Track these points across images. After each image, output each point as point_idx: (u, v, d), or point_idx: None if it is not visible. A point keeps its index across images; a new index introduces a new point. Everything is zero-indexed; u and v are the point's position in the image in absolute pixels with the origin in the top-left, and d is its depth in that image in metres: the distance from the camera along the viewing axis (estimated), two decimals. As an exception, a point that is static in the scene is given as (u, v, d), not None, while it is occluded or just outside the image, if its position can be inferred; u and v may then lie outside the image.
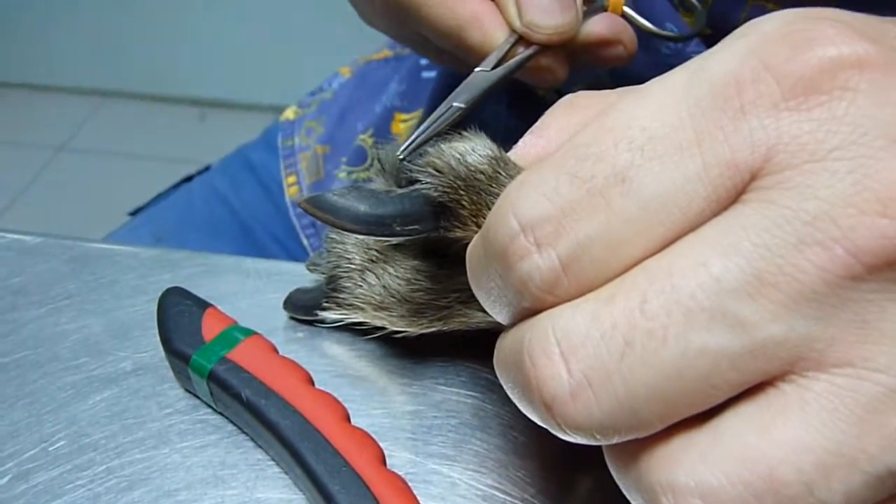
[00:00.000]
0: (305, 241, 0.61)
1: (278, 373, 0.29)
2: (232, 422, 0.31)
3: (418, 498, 0.27)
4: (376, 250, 0.31)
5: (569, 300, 0.19)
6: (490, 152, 0.26)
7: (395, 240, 0.30)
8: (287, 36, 1.89)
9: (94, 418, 0.31)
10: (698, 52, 0.21)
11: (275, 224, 0.62)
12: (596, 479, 0.29)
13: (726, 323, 0.17)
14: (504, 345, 0.21)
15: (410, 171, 0.26)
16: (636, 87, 0.20)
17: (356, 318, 0.31)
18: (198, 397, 0.32)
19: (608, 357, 0.18)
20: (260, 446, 0.30)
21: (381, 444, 0.28)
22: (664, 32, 0.38)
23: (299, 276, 0.36)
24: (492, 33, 0.33)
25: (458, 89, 0.31)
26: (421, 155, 0.26)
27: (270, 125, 0.69)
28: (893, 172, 0.17)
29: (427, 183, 0.26)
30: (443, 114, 0.29)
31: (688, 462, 0.18)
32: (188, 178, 0.68)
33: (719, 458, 0.18)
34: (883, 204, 0.16)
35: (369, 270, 0.31)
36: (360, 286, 0.31)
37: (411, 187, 0.26)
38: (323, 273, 0.33)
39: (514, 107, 0.52)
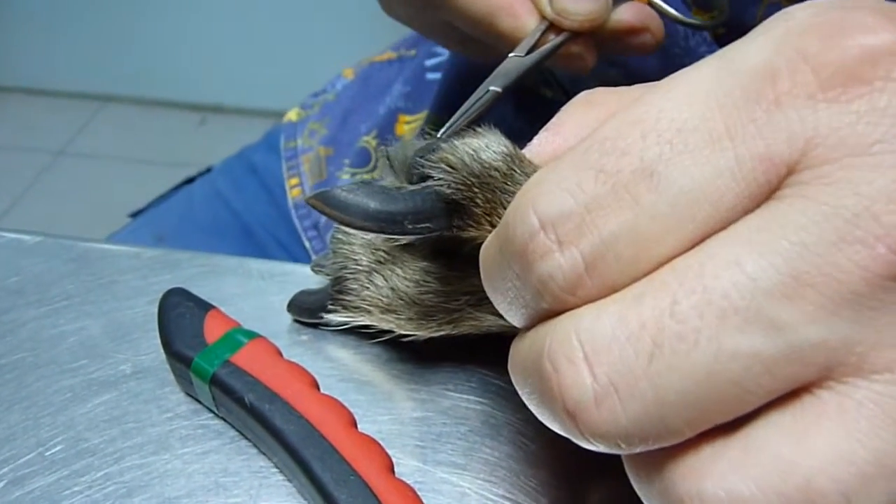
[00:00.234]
0: (307, 244, 0.60)
1: (283, 377, 0.29)
2: (234, 427, 0.30)
3: (428, 507, 0.26)
4: (384, 251, 0.30)
5: (591, 301, 0.18)
6: (504, 149, 0.25)
7: (404, 239, 0.29)
8: (287, 41, 1.89)
9: (92, 422, 0.30)
10: (711, 52, 0.20)
11: (276, 226, 0.61)
12: (610, 488, 0.28)
13: (761, 325, 0.16)
14: (520, 349, 0.21)
15: (423, 167, 0.25)
16: (657, 82, 0.20)
17: (362, 320, 0.30)
18: (199, 402, 0.31)
19: (635, 361, 0.17)
20: (263, 453, 0.29)
21: (388, 452, 0.28)
22: (690, 20, 0.38)
23: (304, 277, 0.35)
24: (523, 20, 0.34)
25: (493, 74, 0.31)
26: (433, 150, 0.26)
27: (273, 127, 0.68)
28: None
29: (440, 179, 0.25)
30: (480, 97, 0.30)
31: (718, 472, 0.17)
32: (190, 180, 0.68)
33: (752, 467, 0.17)
34: None
35: (377, 272, 0.30)
36: (367, 288, 0.30)
37: (423, 184, 0.26)
38: (328, 274, 0.32)
39: (520, 109, 0.51)
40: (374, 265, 0.30)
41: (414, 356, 0.32)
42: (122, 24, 1.96)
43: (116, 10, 1.94)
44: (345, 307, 0.31)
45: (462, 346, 0.31)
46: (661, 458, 0.18)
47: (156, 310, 0.32)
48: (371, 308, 0.30)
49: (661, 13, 0.37)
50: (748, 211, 0.17)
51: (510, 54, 0.32)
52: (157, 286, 0.35)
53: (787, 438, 0.17)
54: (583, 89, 0.26)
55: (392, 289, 0.29)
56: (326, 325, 0.32)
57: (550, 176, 0.19)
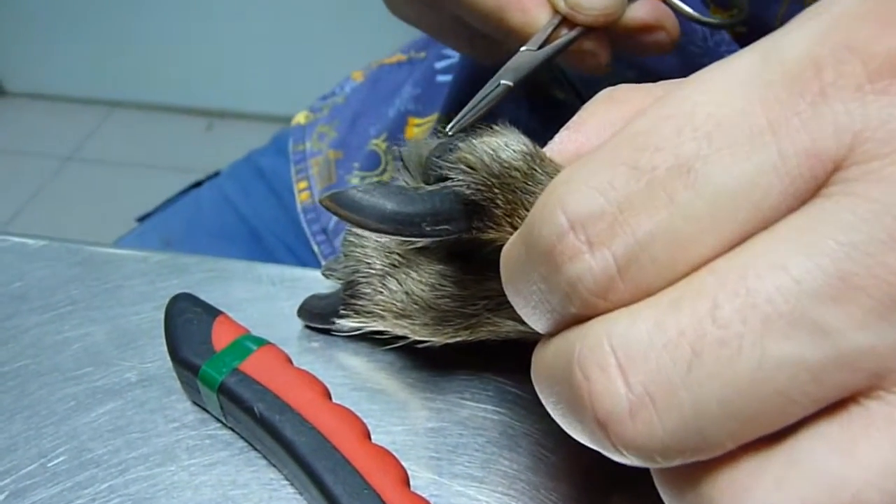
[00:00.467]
0: (316, 248, 0.59)
1: (293, 385, 0.28)
2: (243, 438, 0.29)
3: (445, 522, 0.25)
4: (398, 254, 0.29)
5: (623, 306, 0.17)
6: (524, 147, 0.24)
7: (421, 242, 0.28)
8: (294, 47, 1.89)
9: (96, 432, 0.29)
10: (731, 52, 0.19)
11: (285, 231, 0.60)
12: (635, 503, 0.27)
13: (808, 330, 0.15)
14: (545, 356, 0.20)
15: (440, 167, 0.24)
16: (688, 77, 0.19)
17: (376, 326, 0.29)
18: (207, 411, 0.30)
19: (673, 369, 0.16)
20: (273, 465, 0.28)
21: (403, 464, 0.27)
22: (706, 19, 0.37)
23: (314, 282, 0.34)
24: (534, 14, 0.33)
25: (504, 67, 0.30)
26: (450, 150, 0.25)
27: (281, 130, 0.67)
28: None
29: (459, 180, 0.24)
30: (490, 91, 0.29)
31: (760, 488, 0.16)
32: (197, 184, 0.67)
33: (796, 482, 0.16)
34: None
35: (391, 276, 0.29)
36: (381, 292, 0.29)
37: (441, 184, 0.25)
38: (340, 279, 0.31)
39: (533, 110, 0.50)
40: (387, 269, 0.29)
41: (429, 364, 0.31)
42: (129, 30, 1.97)
43: (124, 15, 1.94)
44: (357, 312, 0.30)
45: (479, 353, 0.30)
46: (697, 471, 0.17)
47: (162, 315, 0.31)
48: (385, 313, 0.29)
49: (677, 11, 0.36)
50: (792, 210, 0.16)
51: (522, 48, 0.31)
52: (164, 291, 0.34)
53: (833, 451, 0.16)
54: (595, 91, 0.25)
55: (406, 293, 0.28)
56: (338, 331, 0.31)
57: (579, 173, 0.18)
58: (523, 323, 0.20)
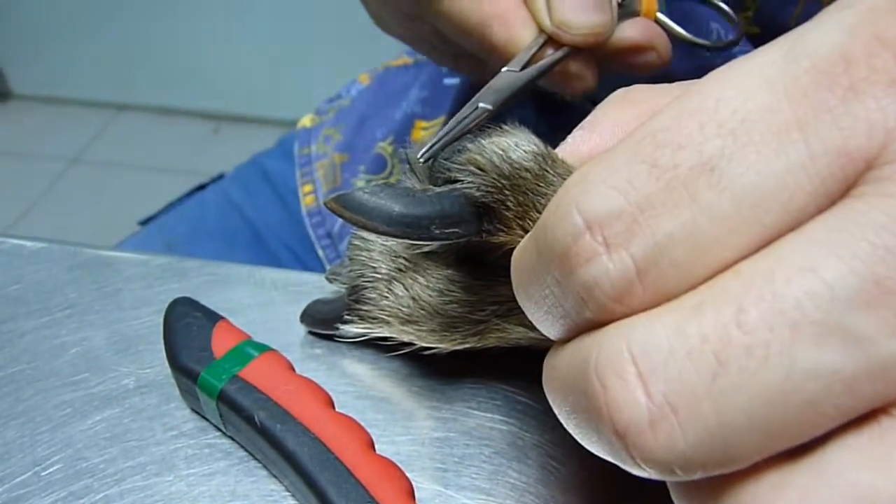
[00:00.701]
0: (321, 253, 0.59)
1: (295, 394, 0.27)
2: (243, 447, 0.28)
3: (452, 537, 0.24)
4: (405, 258, 0.28)
5: (643, 311, 0.16)
6: (535, 148, 0.23)
7: (428, 245, 0.27)
8: (300, 50, 1.89)
9: (92, 440, 0.29)
10: (745, 53, 0.18)
11: (289, 234, 0.60)
12: (649, 516, 0.26)
13: (840, 338, 0.14)
14: (559, 364, 0.19)
15: (448, 169, 0.24)
16: (709, 73, 0.18)
17: (381, 332, 0.28)
18: (206, 419, 0.29)
19: (697, 378, 0.15)
20: (274, 475, 0.27)
21: (408, 475, 0.26)
22: (699, 41, 0.36)
23: (318, 286, 0.34)
24: (518, 32, 0.31)
25: (483, 90, 0.29)
26: (459, 151, 0.24)
27: (286, 134, 0.67)
28: None
29: (468, 182, 0.23)
30: (468, 115, 0.27)
31: (786, 501, 0.15)
32: (201, 187, 0.66)
33: (825, 497, 0.15)
34: None
35: (397, 280, 0.28)
36: (386, 297, 0.28)
37: (450, 186, 0.24)
38: (344, 283, 0.30)
39: (542, 112, 0.50)
40: (393, 273, 0.28)
41: (435, 372, 0.30)
42: (136, 33, 1.98)
43: (131, 19, 1.95)
44: (362, 318, 0.29)
45: (487, 360, 0.29)
46: (718, 485, 0.16)
47: (161, 320, 0.30)
48: (390, 319, 0.28)
49: (668, 31, 0.35)
50: (821, 210, 0.16)
51: (503, 69, 0.30)
52: (164, 295, 0.33)
53: (864, 464, 0.15)
54: (607, 92, 0.24)
55: (413, 298, 0.27)
56: (342, 337, 0.30)
57: (596, 171, 0.17)
58: (534, 329, 0.20)
